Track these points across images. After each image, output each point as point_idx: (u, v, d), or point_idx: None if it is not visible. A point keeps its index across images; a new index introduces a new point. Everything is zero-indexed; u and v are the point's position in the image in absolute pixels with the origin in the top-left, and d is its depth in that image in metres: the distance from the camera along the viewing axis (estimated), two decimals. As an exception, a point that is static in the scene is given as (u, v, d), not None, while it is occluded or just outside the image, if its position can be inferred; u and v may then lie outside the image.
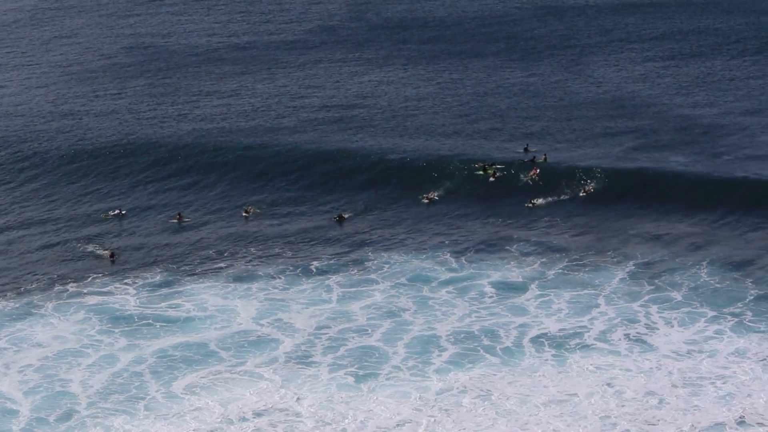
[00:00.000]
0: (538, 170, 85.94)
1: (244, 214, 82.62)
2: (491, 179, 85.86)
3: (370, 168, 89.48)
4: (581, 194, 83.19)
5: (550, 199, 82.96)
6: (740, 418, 54.29)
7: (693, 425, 53.89)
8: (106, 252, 76.53)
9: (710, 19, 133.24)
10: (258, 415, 56.16)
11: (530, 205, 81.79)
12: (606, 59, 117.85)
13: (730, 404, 55.51)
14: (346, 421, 55.47)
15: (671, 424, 54.10)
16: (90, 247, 77.83)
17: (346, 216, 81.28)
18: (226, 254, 76.21)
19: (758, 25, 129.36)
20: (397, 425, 54.92)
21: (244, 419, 55.82)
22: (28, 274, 73.63)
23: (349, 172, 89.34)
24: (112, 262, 75.18)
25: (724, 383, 57.42)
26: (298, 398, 57.45)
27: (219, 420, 55.91)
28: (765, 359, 59.65)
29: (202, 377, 59.91)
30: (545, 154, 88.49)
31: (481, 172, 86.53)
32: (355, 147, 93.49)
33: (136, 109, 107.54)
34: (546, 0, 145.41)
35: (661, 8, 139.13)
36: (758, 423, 54.07)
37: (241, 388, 58.71)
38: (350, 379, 59.19)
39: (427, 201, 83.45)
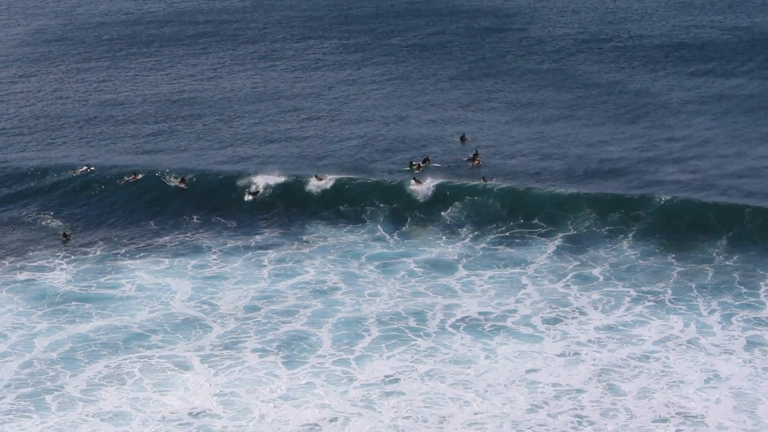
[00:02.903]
0: (479, 162, 74.91)
1: (181, 184, 73.42)
2: (416, 171, 73.27)
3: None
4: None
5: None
6: (664, 416, 47.88)
7: (617, 425, 47.37)
8: (61, 229, 68.84)
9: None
10: (174, 412, 49.24)
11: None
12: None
13: (651, 398, 49.07)
14: (265, 416, 48.93)
15: (591, 426, 47.52)
16: (42, 217, 70.82)
17: (256, 191, 71.40)
18: (168, 225, 69.70)
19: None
20: (315, 424, 48.29)
21: (164, 419, 48.64)
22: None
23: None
24: (64, 242, 67.29)
25: (643, 373, 50.91)
26: (219, 391, 50.71)
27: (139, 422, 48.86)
28: (687, 344, 53.28)
29: (125, 365, 52.87)
30: (476, 149, 76.13)
31: (407, 168, 74.21)
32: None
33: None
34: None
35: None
36: (678, 413, 47.82)
37: (164, 377, 51.88)
38: (277, 370, 52.33)
39: (318, 180, 71.57)
